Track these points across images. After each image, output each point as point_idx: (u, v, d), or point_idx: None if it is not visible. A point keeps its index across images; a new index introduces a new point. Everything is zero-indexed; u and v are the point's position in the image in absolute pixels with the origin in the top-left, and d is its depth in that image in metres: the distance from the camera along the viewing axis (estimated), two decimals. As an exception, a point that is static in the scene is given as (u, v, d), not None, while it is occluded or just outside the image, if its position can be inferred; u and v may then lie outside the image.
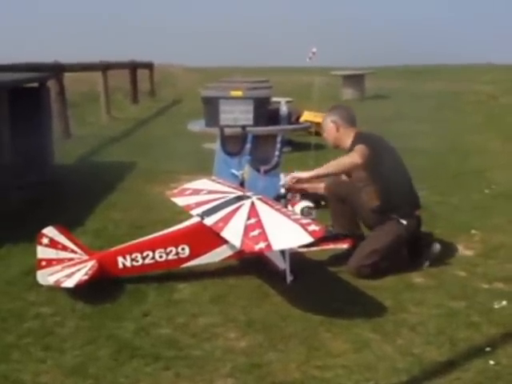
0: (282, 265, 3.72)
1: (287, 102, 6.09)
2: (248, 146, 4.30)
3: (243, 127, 4.89)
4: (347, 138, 4.03)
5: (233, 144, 4.76)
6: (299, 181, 3.93)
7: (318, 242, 3.58)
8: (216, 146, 5.22)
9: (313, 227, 3.15)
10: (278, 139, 4.45)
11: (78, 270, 3.55)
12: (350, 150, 3.93)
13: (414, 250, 4.09)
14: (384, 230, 3.95)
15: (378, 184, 3.98)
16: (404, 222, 3.93)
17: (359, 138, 3.96)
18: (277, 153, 4.37)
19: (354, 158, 3.79)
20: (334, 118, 4.09)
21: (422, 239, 4.16)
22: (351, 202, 4.12)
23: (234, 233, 3.32)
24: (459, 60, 28.68)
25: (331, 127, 4.09)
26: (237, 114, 5.16)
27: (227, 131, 5.01)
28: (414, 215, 4.03)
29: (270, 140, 4.87)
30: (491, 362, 2.84)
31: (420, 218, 4.08)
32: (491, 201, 5.79)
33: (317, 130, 9.23)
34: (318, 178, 3.93)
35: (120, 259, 3.67)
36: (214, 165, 5.08)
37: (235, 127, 5.03)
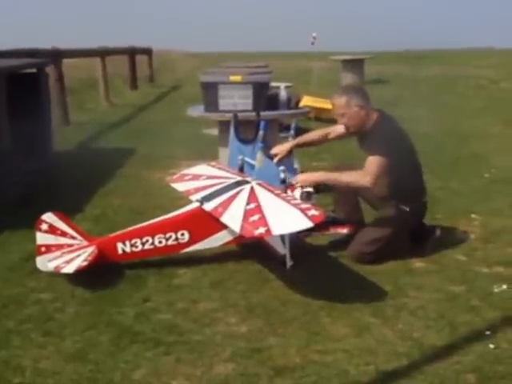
0: (282, 250, 3.71)
1: (286, 86, 6.02)
2: (261, 132, 4.22)
3: (258, 113, 4.79)
4: (370, 120, 3.88)
5: (247, 130, 4.67)
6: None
7: (318, 226, 3.57)
8: (228, 132, 5.14)
9: (313, 212, 3.15)
10: (292, 125, 4.37)
11: (78, 255, 3.55)
12: (373, 132, 3.83)
13: (418, 237, 4.08)
14: (386, 217, 3.93)
15: (388, 177, 3.84)
16: (407, 208, 3.89)
17: (380, 134, 3.80)
18: (290, 139, 4.30)
19: (366, 181, 3.68)
20: (357, 100, 3.85)
21: (426, 226, 4.16)
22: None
23: (233, 218, 3.32)
24: (460, 45, 28.60)
25: (356, 111, 3.84)
26: (236, 99, 5.10)
27: (227, 117, 4.94)
28: (420, 201, 4.00)
29: (272, 125, 4.81)
30: (491, 346, 2.85)
31: (426, 203, 4.05)
32: (491, 185, 5.78)
33: (316, 115, 9.23)
34: (322, 182, 3.82)
35: (119, 245, 3.67)
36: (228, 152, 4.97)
37: (240, 112, 4.90)
